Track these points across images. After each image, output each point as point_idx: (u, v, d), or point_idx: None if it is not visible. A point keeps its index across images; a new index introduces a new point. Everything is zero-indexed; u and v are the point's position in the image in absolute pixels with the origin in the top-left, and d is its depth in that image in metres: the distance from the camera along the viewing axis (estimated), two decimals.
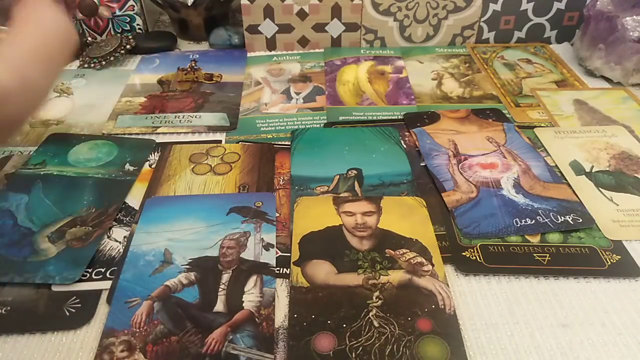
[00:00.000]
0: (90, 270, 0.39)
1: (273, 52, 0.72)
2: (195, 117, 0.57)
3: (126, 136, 0.55)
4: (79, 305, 0.37)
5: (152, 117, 0.57)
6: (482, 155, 0.50)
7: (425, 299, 0.36)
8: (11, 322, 0.35)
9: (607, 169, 0.49)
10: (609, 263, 0.39)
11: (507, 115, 0.57)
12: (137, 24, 0.73)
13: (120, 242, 0.41)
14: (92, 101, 0.61)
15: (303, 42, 0.71)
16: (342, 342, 0.33)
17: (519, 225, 0.42)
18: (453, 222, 0.43)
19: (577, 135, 0.53)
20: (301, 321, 0.35)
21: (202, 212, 0.43)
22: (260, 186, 0.47)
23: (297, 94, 0.62)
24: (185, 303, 0.36)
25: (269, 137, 0.54)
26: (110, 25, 0.72)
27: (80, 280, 0.38)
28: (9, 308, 0.36)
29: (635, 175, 0.48)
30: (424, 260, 0.39)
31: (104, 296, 0.37)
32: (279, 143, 0.53)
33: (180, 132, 0.55)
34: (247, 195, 0.46)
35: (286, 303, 0.36)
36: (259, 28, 0.70)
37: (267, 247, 0.40)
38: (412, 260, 0.39)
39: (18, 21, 0.38)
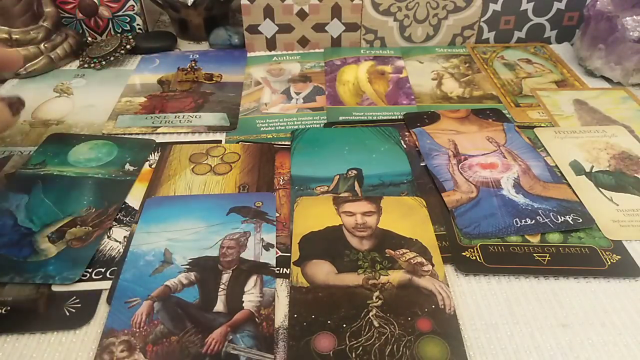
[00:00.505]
0: (90, 270, 0.39)
1: (273, 52, 0.72)
2: (195, 117, 0.57)
3: (126, 136, 0.55)
4: (79, 305, 0.37)
5: (152, 117, 0.57)
6: (482, 155, 0.50)
7: (425, 299, 0.36)
8: (11, 322, 0.35)
9: (607, 169, 0.49)
10: (609, 263, 0.39)
11: (507, 115, 0.57)
12: (137, 24, 0.73)
13: (120, 242, 0.41)
14: (92, 101, 0.61)
15: (303, 42, 0.71)
16: (342, 342, 0.33)
17: (519, 225, 0.42)
18: (453, 222, 0.43)
19: (577, 135, 0.53)
20: (301, 321, 0.35)
21: (202, 212, 0.43)
22: (260, 186, 0.47)
23: (297, 94, 0.62)
24: (185, 303, 0.36)
25: (269, 137, 0.54)
26: (110, 25, 0.72)
27: (80, 280, 0.38)
28: (9, 308, 0.36)
29: (635, 175, 0.48)
30: (424, 260, 0.39)
31: (104, 296, 0.37)
32: (279, 143, 0.53)
33: (180, 132, 0.55)
34: (247, 195, 0.46)
35: (286, 303, 0.36)
36: (259, 28, 0.70)
37: (267, 247, 0.40)
38: (412, 260, 0.39)
39: None
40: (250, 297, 0.36)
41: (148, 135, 0.55)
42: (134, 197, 0.46)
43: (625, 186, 0.47)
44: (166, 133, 0.55)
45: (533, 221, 0.42)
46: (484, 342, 0.34)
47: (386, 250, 0.40)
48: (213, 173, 0.49)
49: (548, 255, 0.40)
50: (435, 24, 0.70)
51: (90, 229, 0.42)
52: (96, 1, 0.70)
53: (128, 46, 0.69)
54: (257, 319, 0.35)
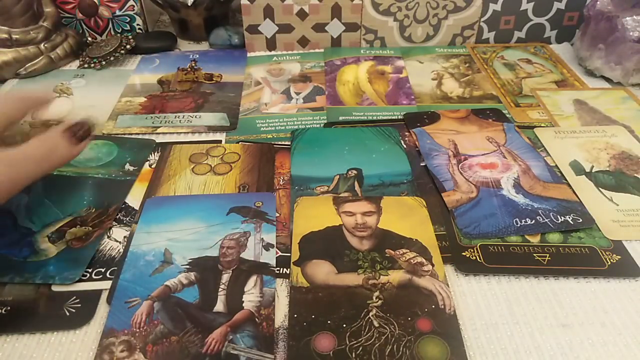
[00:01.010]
0: (90, 270, 0.39)
1: (273, 52, 0.72)
2: (195, 117, 0.57)
3: (126, 136, 0.55)
4: (79, 305, 0.37)
5: (152, 117, 0.57)
6: (482, 155, 0.50)
7: (425, 299, 0.36)
8: (11, 322, 0.35)
9: (607, 169, 0.49)
10: (609, 263, 0.39)
11: (507, 115, 0.57)
12: (137, 24, 0.73)
13: (120, 242, 0.41)
14: (92, 101, 0.61)
15: (303, 42, 0.71)
16: (342, 342, 0.33)
17: (519, 225, 0.42)
18: (453, 222, 0.43)
19: (577, 135, 0.53)
20: (301, 321, 0.35)
21: (202, 212, 0.43)
22: (260, 186, 0.47)
23: (297, 94, 0.62)
24: (185, 303, 0.36)
25: (269, 137, 0.54)
26: (110, 25, 0.72)
27: (80, 280, 0.38)
28: (9, 308, 0.36)
29: (635, 175, 0.48)
30: (424, 260, 0.39)
31: (104, 296, 0.37)
32: (279, 143, 0.53)
33: (180, 132, 0.55)
34: (247, 195, 0.46)
35: (286, 303, 0.36)
36: (259, 28, 0.70)
37: (267, 247, 0.40)
38: (412, 260, 0.39)
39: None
40: (250, 297, 0.36)
41: (148, 135, 0.55)
42: (134, 197, 0.46)
43: (625, 186, 0.47)
44: (166, 133, 0.55)
45: (533, 221, 0.42)
46: (484, 342, 0.34)
47: (386, 250, 0.40)
48: (213, 173, 0.49)
49: (548, 255, 0.40)
50: (435, 24, 0.70)
51: (90, 229, 0.42)
52: (96, 1, 0.70)
53: (128, 46, 0.69)
54: (257, 319, 0.35)
